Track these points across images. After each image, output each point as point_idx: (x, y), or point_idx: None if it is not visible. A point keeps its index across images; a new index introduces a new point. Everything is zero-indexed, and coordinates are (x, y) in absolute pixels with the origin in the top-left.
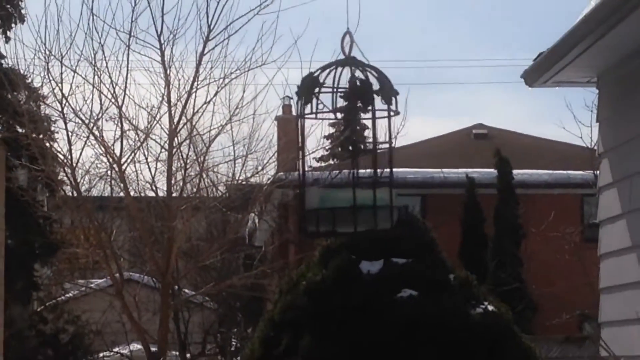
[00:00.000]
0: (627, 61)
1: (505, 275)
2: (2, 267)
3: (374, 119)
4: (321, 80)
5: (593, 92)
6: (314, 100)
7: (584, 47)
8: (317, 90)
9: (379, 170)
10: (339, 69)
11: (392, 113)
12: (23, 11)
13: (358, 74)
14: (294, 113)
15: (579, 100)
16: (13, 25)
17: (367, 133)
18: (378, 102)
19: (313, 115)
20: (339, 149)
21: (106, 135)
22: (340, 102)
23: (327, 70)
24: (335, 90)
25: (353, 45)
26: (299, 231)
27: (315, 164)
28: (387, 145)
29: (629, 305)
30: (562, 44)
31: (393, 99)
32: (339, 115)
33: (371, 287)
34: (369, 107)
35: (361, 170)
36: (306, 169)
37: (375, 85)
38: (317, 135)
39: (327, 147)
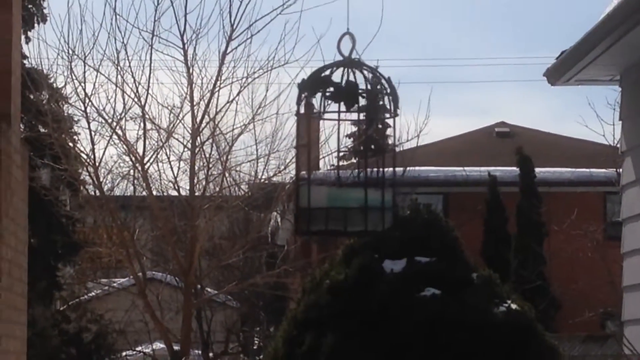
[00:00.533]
0: None
1: (528, 273)
2: (25, 266)
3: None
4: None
5: (615, 90)
6: (322, 99)
7: (606, 45)
8: (322, 89)
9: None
10: (344, 70)
11: (391, 115)
12: (45, 11)
13: (358, 75)
14: (301, 111)
15: (601, 98)
16: (35, 25)
17: (389, 132)
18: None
19: (316, 115)
20: (361, 148)
21: (129, 135)
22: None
23: (328, 70)
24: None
25: (354, 46)
26: (295, 230)
27: (337, 163)
28: (407, 145)
29: None
30: (585, 42)
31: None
32: (346, 115)
33: (394, 285)
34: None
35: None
36: (324, 168)
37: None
38: (335, 134)
39: (349, 146)
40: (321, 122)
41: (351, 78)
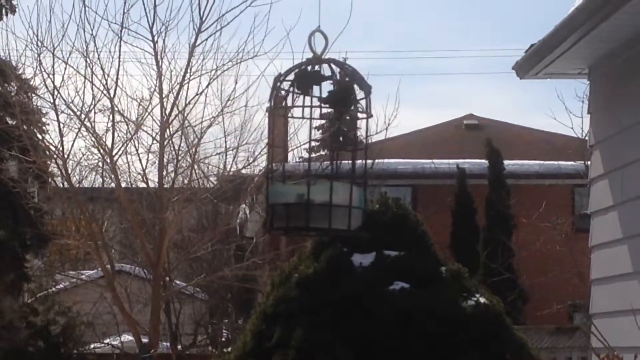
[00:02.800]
0: (618, 53)
1: (497, 266)
2: None
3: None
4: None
5: (584, 83)
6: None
7: (575, 39)
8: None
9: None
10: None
11: (364, 115)
12: (14, 2)
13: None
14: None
15: (570, 91)
16: (4, 16)
17: (359, 124)
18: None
19: (284, 111)
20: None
21: (98, 127)
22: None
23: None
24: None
25: (327, 45)
26: (263, 225)
27: (306, 155)
28: (375, 137)
29: (620, 296)
30: (554, 36)
31: (366, 100)
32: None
33: (363, 279)
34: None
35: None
36: (292, 160)
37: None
38: (305, 128)
39: (317, 139)
40: (290, 114)
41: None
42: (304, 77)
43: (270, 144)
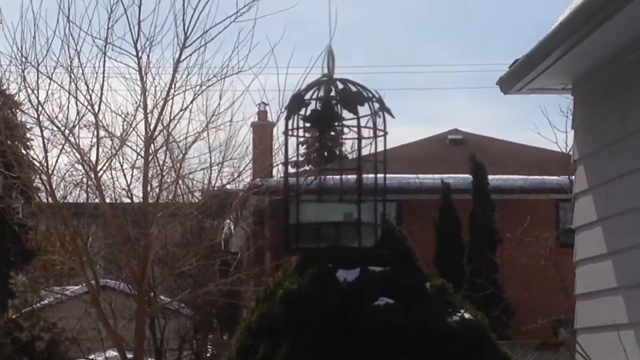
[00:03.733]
0: (601, 69)
1: (481, 281)
2: None
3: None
4: (306, 96)
5: (568, 98)
6: (297, 117)
7: (559, 54)
8: (300, 108)
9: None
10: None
11: (380, 132)
12: None
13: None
14: (270, 120)
15: (554, 106)
16: None
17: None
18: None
19: (298, 132)
20: (314, 155)
21: (82, 142)
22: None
23: (316, 88)
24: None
25: (334, 63)
26: (284, 247)
27: (291, 170)
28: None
29: (604, 311)
30: (537, 52)
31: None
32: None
33: (348, 295)
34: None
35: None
36: (277, 175)
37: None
38: (293, 144)
39: (302, 154)
40: (274, 129)
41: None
42: (348, 99)
43: (285, 162)
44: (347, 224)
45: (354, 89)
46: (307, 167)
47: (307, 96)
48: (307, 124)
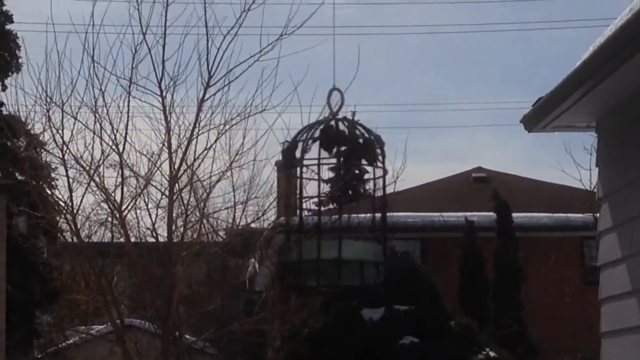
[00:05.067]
0: (625, 106)
1: (506, 319)
2: (4, 316)
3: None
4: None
5: (592, 135)
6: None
7: (582, 92)
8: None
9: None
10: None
11: (382, 172)
12: (20, 60)
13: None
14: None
15: (578, 143)
16: (11, 73)
17: (366, 176)
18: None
19: (305, 173)
20: (338, 194)
21: (107, 182)
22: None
23: (315, 128)
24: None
25: (342, 103)
26: (293, 286)
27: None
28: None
29: (630, 350)
30: (561, 89)
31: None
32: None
33: (373, 334)
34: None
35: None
36: (304, 214)
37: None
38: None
39: (326, 192)
40: (298, 170)
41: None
42: (329, 138)
43: (299, 198)
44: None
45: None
46: (331, 206)
47: (303, 137)
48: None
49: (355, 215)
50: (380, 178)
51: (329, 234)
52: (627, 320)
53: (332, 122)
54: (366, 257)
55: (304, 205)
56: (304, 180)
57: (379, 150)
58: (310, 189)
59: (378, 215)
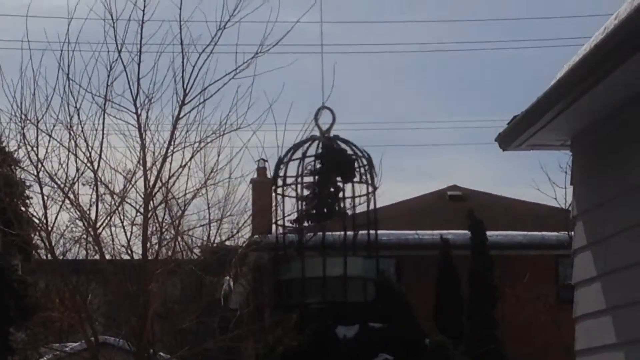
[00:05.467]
0: (600, 125)
1: (481, 337)
2: None
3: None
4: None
5: (567, 154)
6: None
7: (557, 110)
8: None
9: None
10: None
11: (370, 189)
12: None
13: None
14: (269, 176)
15: (553, 162)
16: None
17: (341, 195)
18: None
19: (287, 191)
20: (313, 211)
21: (82, 199)
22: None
23: (309, 144)
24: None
25: (334, 122)
26: (275, 306)
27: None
28: (359, 208)
29: None
30: (536, 108)
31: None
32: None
33: (348, 352)
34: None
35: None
36: (282, 232)
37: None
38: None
39: (302, 210)
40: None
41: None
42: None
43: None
44: (350, 279)
45: (348, 149)
46: (305, 224)
47: (298, 154)
48: (306, 178)
49: (331, 233)
50: (364, 195)
51: (311, 252)
52: (602, 338)
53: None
54: (368, 274)
55: (287, 224)
56: (286, 199)
57: (367, 168)
58: (285, 206)
59: (363, 232)
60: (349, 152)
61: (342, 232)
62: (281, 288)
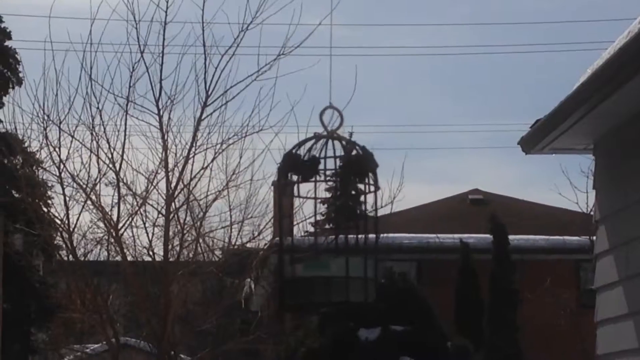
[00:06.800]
0: (622, 129)
1: (501, 341)
2: None
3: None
4: (304, 151)
5: (589, 158)
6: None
7: (580, 114)
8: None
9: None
10: (323, 143)
11: (372, 188)
12: (21, 74)
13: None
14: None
15: (575, 166)
16: (10, 89)
17: (368, 200)
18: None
19: (296, 192)
20: (333, 215)
21: (104, 200)
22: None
23: (310, 143)
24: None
25: (337, 120)
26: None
27: (311, 229)
28: (381, 211)
29: None
30: (559, 112)
31: (372, 174)
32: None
33: (369, 354)
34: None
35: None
36: (300, 234)
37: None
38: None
39: (323, 213)
40: (295, 190)
41: (330, 149)
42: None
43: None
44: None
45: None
46: (327, 226)
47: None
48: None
49: (351, 236)
50: (371, 194)
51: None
52: (623, 342)
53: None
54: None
55: (301, 226)
56: (299, 200)
57: (372, 169)
58: (306, 209)
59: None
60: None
61: (355, 235)
62: (286, 288)
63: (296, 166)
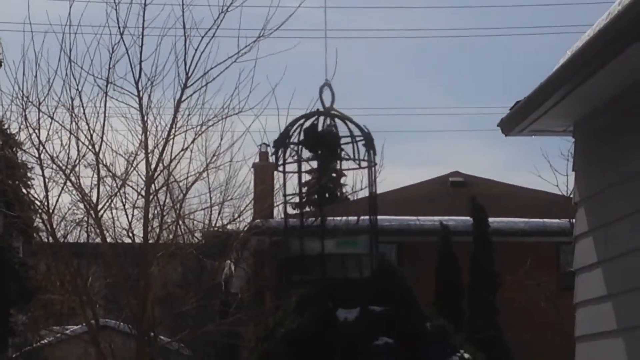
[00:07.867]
0: (602, 111)
1: (481, 323)
2: None
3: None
4: (297, 130)
5: (568, 141)
6: (288, 151)
7: (560, 96)
8: (288, 140)
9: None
10: (321, 119)
11: (371, 163)
12: (0, 56)
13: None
14: (271, 161)
15: (555, 149)
16: None
17: (343, 180)
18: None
19: (290, 167)
20: (315, 196)
21: (83, 182)
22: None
23: (304, 120)
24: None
25: (333, 97)
26: (280, 279)
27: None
28: (361, 194)
29: (605, 354)
30: (539, 93)
31: (371, 150)
32: (307, 165)
33: (348, 334)
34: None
35: (337, 218)
36: (277, 216)
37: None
38: (293, 182)
39: (304, 194)
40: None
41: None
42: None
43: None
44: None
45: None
46: (307, 208)
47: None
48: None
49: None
50: (365, 169)
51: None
52: (602, 324)
53: (315, 121)
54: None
55: (280, 208)
56: (279, 181)
57: (366, 146)
58: (288, 190)
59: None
60: (344, 129)
61: (343, 217)
62: (290, 265)
63: (317, 141)
